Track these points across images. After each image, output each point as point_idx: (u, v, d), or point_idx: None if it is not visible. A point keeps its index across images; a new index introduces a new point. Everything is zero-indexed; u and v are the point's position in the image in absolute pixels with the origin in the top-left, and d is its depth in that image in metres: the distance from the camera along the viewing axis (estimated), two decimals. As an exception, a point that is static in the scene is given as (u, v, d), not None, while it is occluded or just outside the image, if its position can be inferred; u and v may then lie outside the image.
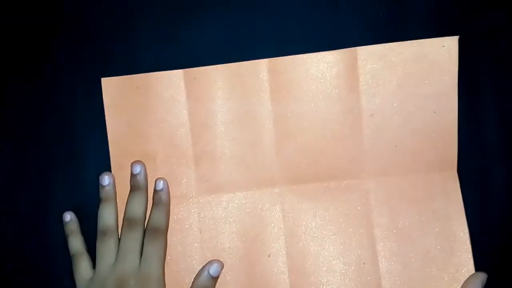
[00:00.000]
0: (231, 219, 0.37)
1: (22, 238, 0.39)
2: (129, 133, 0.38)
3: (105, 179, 0.37)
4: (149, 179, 0.38)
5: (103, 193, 0.37)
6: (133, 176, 0.37)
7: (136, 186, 0.37)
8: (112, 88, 0.38)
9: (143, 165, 0.38)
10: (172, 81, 0.38)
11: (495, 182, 0.38)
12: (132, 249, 0.35)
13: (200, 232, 0.37)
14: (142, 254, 0.35)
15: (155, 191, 0.37)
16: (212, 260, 0.36)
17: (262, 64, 0.37)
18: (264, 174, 0.37)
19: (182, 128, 0.38)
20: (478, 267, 0.37)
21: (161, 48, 0.40)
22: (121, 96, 0.38)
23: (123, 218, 0.36)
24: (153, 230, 0.36)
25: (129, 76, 0.39)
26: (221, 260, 0.36)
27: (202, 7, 0.40)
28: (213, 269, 0.35)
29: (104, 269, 0.34)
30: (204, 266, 0.36)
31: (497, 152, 0.38)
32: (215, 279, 0.36)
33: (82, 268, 0.36)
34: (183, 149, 0.38)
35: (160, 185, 0.37)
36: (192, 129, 0.38)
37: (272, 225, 0.37)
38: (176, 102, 0.38)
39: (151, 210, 0.37)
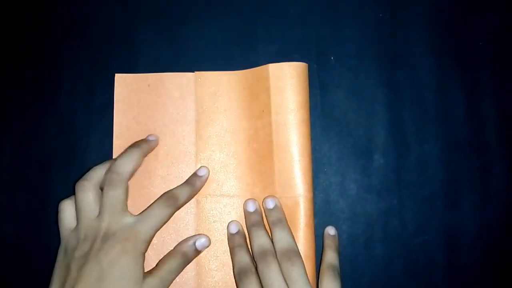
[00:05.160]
0: (227, 224, 0.37)
1: (22, 238, 0.39)
2: (135, 128, 0.39)
3: (202, 171, 0.37)
4: (149, 176, 0.38)
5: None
6: (144, 139, 0.38)
7: (137, 144, 0.37)
8: (125, 84, 0.39)
9: (158, 139, 0.38)
10: (183, 82, 0.39)
11: (495, 182, 0.38)
12: (156, 218, 0.33)
13: (195, 233, 0.37)
14: (142, 213, 0.33)
15: (195, 174, 0.37)
16: (201, 234, 0.36)
17: (266, 71, 0.37)
18: (262, 181, 0.37)
19: (187, 127, 0.39)
20: (478, 267, 0.37)
21: (161, 48, 0.40)
22: (132, 92, 0.39)
23: (107, 171, 0.34)
24: (170, 196, 0.35)
25: (142, 74, 0.39)
26: (215, 263, 0.37)
27: (202, 8, 0.40)
28: (199, 242, 0.35)
29: (88, 220, 0.33)
30: (193, 236, 0.36)
31: (497, 152, 0.38)
32: (197, 251, 0.36)
33: (68, 215, 0.34)
34: (185, 148, 0.38)
35: (202, 172, 0.37)
36: (197, 129, 0.38)
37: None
38: (185, 101, 0.39)
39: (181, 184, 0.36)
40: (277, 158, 0.36)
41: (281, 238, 0.34)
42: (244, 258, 0.34)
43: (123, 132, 0.39)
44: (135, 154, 0.36)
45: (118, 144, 0.38)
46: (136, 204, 0.34)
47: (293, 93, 0.36)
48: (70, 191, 0.38)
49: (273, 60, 0.37)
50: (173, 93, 0.39)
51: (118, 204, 0.33)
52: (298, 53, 0.39)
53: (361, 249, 0.38)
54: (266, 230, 0.35)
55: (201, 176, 0.37)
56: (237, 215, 0.37)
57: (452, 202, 0.38)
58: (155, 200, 0.34)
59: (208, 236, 0.36)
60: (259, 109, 0.38)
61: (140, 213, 0.34)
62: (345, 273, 0.34)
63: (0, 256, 0.39)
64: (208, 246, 0.36)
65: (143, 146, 0.37)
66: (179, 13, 0.40)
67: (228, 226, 0.37)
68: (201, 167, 0.38)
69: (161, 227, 0.34)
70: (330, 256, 0.35)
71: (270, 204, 0.36)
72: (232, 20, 0.40)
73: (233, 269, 0.34)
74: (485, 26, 0.39)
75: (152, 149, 0.38)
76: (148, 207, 0.34)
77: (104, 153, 0.38)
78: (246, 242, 0.36)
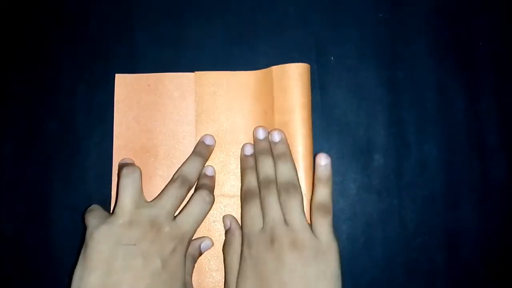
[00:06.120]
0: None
1: (22, 238, 0.39)
2: (135, 128, 0.39)
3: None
4: (149, 176, 0.38)
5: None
6: (201, 143, 0.38)
7: (200, 152, 0.37)
8: (125, 84, 0.39)
9: (215, 142, 0.38)
10: (183, 82, 0.39)
11: (495, 182, 0.38)
12: (172, 199, 0.33)
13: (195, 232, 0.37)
14: (184, 209, 0.34)
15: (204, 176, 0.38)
16: (206, 237, 0.37)
17: (270, 73, 0.38)
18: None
19: (187, 126, 0.39)
20: (478, 267, 0.37)
21: (161, 48, 0.40)
22: (132, 92, 0.39)
23: (175, 174, 0.36)
24: (205, 186, 0.35)
25: (142, 74, 0.39)
26: (215, 263, 0.37)
27: (202, 8, 0.40)
28: (204, 244, 0.37)
29: (129, 205, 0.32)
30: (198, 238, 0.37)
31: (497, 152, 0.38)
32: (200, 253, 0.36)
33: (98, 210, 0.34)
34: (185, 148, 0.38)
35: (210, 171, 0.38)
36: (197, 129, 0.38)
37: None
38: (185, 101, 0.39)
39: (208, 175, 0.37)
40: None
41: (283, 171, 0.34)
42: (252, 181, 0.35)
43: (123, 132, 0.39)
44: (201, 163, 0.37)
45: (118, 144, 0.38)
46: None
47: (295, 93, 0.37)
48: (70, 191, 0.39)
49: (273, 60, 0.37)
50: (173, 93, 0.39)
51: (178, 202, 0.34)
52: (298, 53, 0.39)
53: (361, 249, 0.38)
54: (273, 160, 0.35)
55: (211, 176, 0.38)
56: (237, 215, 0.37)
57: (452, 202, 0.38)
58: (191, 197, 0.35)
59: (211, 239, 0.37)
60: (262, 110, 0.38)
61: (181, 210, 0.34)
62: (345, 273, 0.34)
63: (0, 256, 0.39)
64: (210, 248, 0.37)
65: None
66: (179, 13, 0.40)
67: (243, 148, 0.37)
68: (207, 166, 0.38)
69: (200, 224, 0.35)
70: (321, 194, 0.34)
71: (276, 137, 0.36)
72: (232, 20, 0.40)
73: (241, 188, 0.36)
74: (485, 26, 0.39)
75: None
76: (185, 204, 0.35)
77: (104, 153, 0.38)
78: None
